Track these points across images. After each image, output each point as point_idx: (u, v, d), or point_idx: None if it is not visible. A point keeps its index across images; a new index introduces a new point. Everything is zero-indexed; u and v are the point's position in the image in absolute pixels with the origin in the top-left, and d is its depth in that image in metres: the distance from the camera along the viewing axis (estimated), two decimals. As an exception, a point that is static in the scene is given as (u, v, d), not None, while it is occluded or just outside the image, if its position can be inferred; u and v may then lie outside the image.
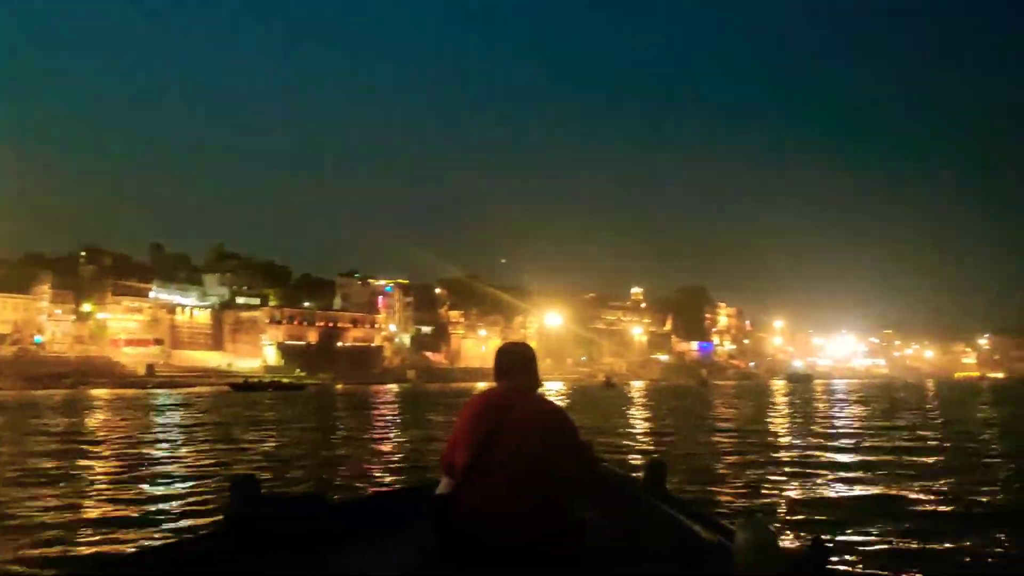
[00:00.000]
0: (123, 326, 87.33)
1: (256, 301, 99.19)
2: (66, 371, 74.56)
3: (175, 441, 16.92)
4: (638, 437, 18.24)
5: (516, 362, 2.88)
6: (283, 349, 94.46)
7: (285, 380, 69.85)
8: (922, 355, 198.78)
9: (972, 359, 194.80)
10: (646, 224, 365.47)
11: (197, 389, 63.58)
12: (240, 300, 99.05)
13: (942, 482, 9.83)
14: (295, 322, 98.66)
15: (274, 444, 15.90)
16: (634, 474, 4.38)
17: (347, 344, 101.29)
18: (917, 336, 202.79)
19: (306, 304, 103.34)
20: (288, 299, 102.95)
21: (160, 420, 24.68)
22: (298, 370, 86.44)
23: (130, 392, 57.78)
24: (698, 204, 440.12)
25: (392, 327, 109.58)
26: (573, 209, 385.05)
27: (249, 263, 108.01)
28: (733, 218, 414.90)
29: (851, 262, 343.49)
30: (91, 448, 14.93)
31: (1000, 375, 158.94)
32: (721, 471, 11.41)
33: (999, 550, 6.31)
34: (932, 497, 8.68)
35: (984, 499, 8.66)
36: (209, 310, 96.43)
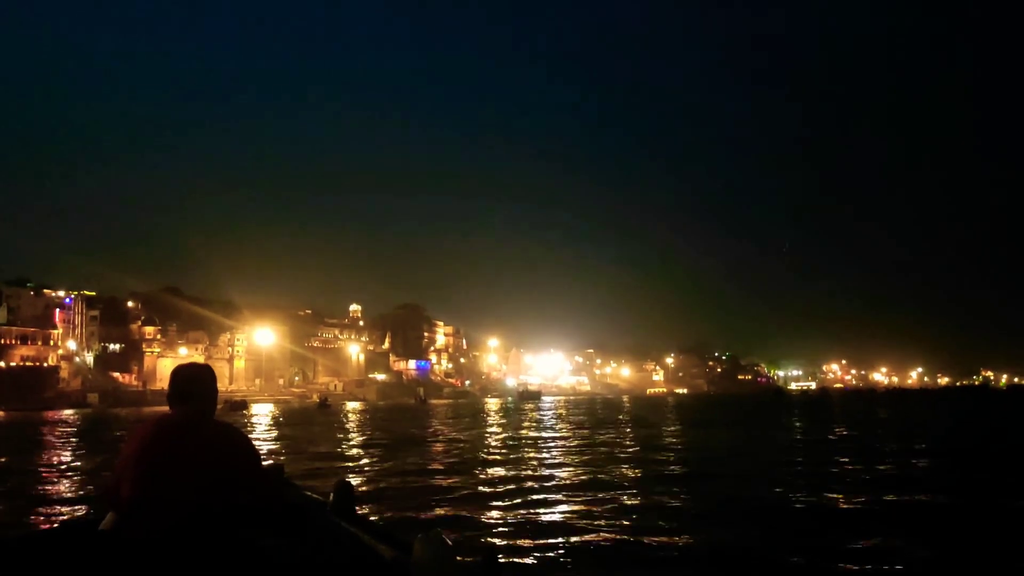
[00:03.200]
0: None
1: None
2: None
3: None
4: (348, 459, 18.06)
5: (192, 386, 2.72)
6: (-78, 371, 78.17)
7: (-77, 408, 57.66)
8: (619, 373, 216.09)
9: (661, 376, 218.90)
10: (365, 241, 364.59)
11: None
12: None
13: (627, 496, 10.80)
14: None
15: None
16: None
17: (13, 364, 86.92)
18: (615, 355, 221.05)
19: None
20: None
21: None
22: (-57, 396, 72.04)
23: None
24: (415, 223, 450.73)
25: (72, 344, 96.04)
26: (288, 224, 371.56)
27: None
28: (449, 238, 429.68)
29: (558, 283, 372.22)
30: None
31: (684, 391, 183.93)
32: (421, 489, 11.76)
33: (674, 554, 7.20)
34: (614, 507, 9.64)
35: (672, 504, 9.80)
36: None
